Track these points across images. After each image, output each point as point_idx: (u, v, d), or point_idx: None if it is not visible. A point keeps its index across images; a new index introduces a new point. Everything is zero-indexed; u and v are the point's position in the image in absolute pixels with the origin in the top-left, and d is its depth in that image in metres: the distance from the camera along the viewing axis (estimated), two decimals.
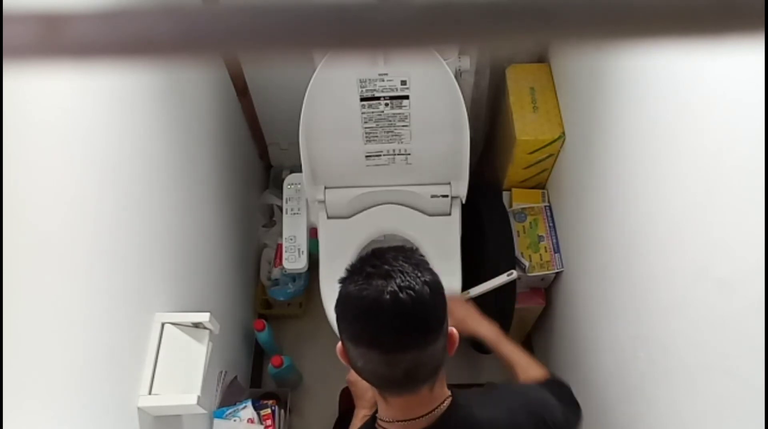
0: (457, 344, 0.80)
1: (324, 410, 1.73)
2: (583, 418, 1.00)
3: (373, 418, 0.86)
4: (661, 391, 0.96)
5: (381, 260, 0.74)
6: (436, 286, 0.74)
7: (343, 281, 0.76)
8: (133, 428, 0.97)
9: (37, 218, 0.73)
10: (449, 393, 0.83)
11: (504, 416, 0.85)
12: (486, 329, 1.16)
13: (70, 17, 0.18)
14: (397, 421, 0.81)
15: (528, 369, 1.06)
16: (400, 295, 0.70)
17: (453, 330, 0.78)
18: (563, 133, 1.41)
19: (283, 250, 1.62)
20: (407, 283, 0.71)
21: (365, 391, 1.10)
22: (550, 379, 1.03)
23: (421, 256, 0.78)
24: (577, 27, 0.18)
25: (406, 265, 0.73)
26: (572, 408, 0.97)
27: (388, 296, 0.70)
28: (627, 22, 0.18)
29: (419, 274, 0.72)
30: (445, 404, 0.81)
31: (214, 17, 0.18)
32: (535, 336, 1.85)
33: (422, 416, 0.80)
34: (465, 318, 1.17)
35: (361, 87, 1.32)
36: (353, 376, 1.01)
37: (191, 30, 0.18)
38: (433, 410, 0.80)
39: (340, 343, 0.79)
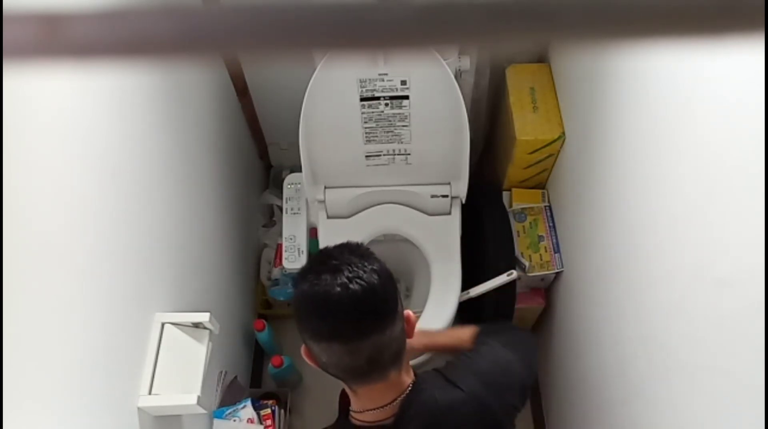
0: (414, 325, 0.83)
1: (324, 410, 1.73)
2: (583, 418, 0.99)
3: (347, 412, 0.88)
4: (661, 390, 0.96)
5: (328, 257, 0.77)
6: (383, 272, 0.77)
7: (295, 284, 0.79)
8: (133, 428, 0.97)
9: (37, 218, 0.73)
10: (412, 379, 0.85)
11: (464, 395, 0.86)
12: (415, 339, 1.15)
13: (70, 17, 0.18)
14: (367, 411, 0.83)
15: (461, 339, 1.06)
16: (350, 285, 0.73)
17: (408, 312, 0.82)
18: (563, 133, 1.41)
19: (283, 250, 1.62)
20: (355, 273, 0.74)
21: None
22: (480, 332, 1.04)
23: (367, 248, 0.80)
24: (577, 27, 0.18)
25: (353, 257, 0.76)
26: (527, 344, 1.01)
27: (339, 288, 0.73)
28: (627, 22, 0.18)
29: (366, 264, 0.75)
30: (408, 389, 0.83)
31: (214, 17, 0.18)
32: (535, 336, 1.85)
33: (390, 403, 0.82)
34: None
35: (361, 87, 1.32)
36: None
37: (191, 30, 0.18)
38: (399, 395, 0.83)
39: (303, 346, 0.80)
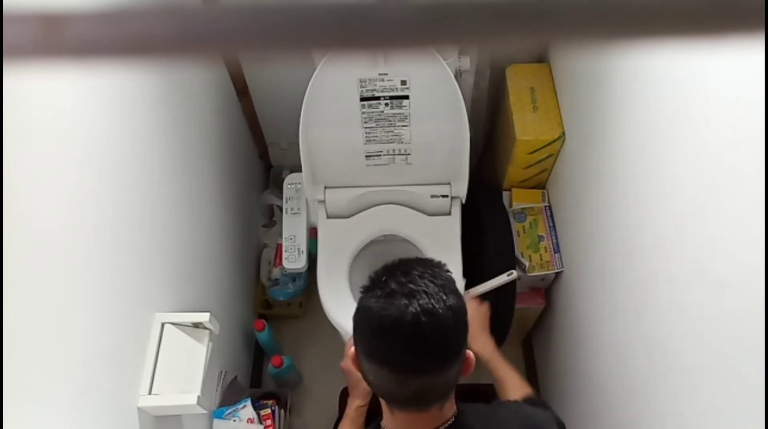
0: (473, 367, 0.78)
1: (324, 410, 1.73)
2: (583, 418, 1.00)
3: (377, 426, 0.85)
4: (661, 390, 0.96)
5: (407, 277, 0.71)
6: (459, 310, 0.72)
7: (364, 291, 0.74)
8: (133, 428, 0.97)
9: (37, 218, 0.73)
10: (456, 409, 0.82)
11: (503, 417, 0.85)
12: (481, 344, 1.16)
13: (70, 17, 0.18)
14: None
15: (518, 388, 1.07)
16: (422, 318, 0.68)
17: (470, 353, 0.76)
18: (563, 133, 1.41)
19: (283, 250, 1.62)
20: (430, 306, 0.68)
21: (359, 381, 1.09)
22: (535, 398, 1.03)
23: (448, 273, 0.75)
24: (577, 27, 0.18)
25: (432, 285, 0.70)
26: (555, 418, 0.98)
27: (408, 318, 0.68)
28: (627, 22, 0.18)
29: (443, 297, 0.70)
30: (449, 421, 0.80)
31: (214, 17, 0.18)
32: (535, 336, 1.85)
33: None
34: (475, 332, 1.18)
35: (361, 87, 1.32)
36: (347, 364, 1.01)
37: (191, 30, 0.18)
38: (438, 426, 0.79)
39: (353, 350, 0.77)
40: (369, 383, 0.77)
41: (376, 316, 0.71)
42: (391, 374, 0.72)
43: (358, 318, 0.74)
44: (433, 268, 0.74)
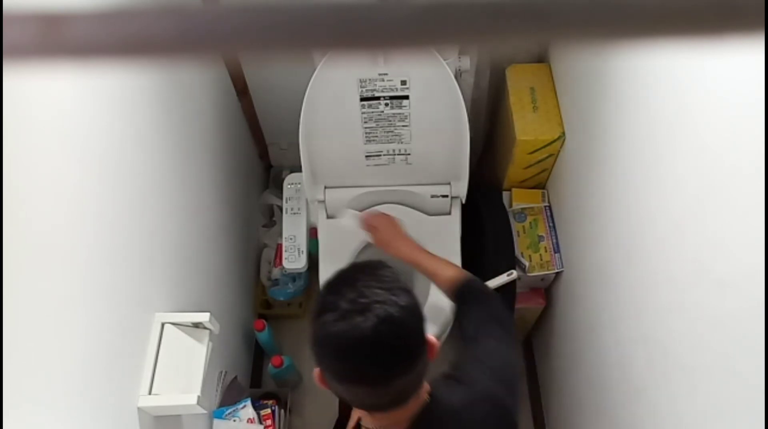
0: (437, 350, 0.79)
1: (324, 410, 1.73)
2: (584, 418, 0.99)
3: (358, 426, 0.86)
4: (661, 390, 0.96)
5: (354, 292, 0.70)
6: (413, 306, 0.72)
7: (316, 317, 0.73)
8: (133, 428, 0.97)
9: (37, 218, 0.73)
10: (428, 388, 0.83)
11: (479, 394, 0.86)
12: (400, 250, 1.21)
13: (69, 17, 0.18)
14: (383, 428, 0.82)
15: (443, 272, 1.11)
16: (381, 328, 0.68)
17: (431, 338, 0.77)
18: (563, 133, 1.41)
19: (283, 250, 1.62)
20: (386, 313, 0.68)
21: None
22: (465, 285, 1.07)
23: (392, 271, 0.75)
24: (577, 27, 0.18)
25: (380, 291, 0.70)
26: (508, 317, 1.05)
27: (369, 333, 0.68)
28: (627, 22, 0.18)
29: (395, 299, 0.70)
30: (425, 403, 0.82)
31: (214, 17, 0.18)
32: (535, 336, 1.85)
33: (408, 418, 0.81)
34: (390, 241, 1.24)
35: (361, 87, 1.32)
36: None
37: (191, 30, 0.18)
38: (417, 411, 0.81)
39: (317, 371, 0.77)
40: (344, 399, 0.78)
41: (336, 341, 0.70)
42: (366, 388, 0.73)
43: (319, 346, 0.73)
44: (376, 272, 0.73)
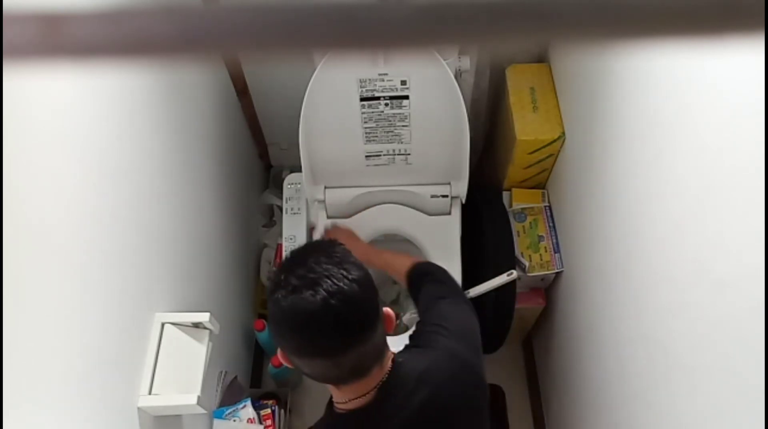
0: (394, 322, 0.82)
1: (324, 410, 1.73)
2: (583, 418, 0.99)
3: (331, 403, 0.87)
4: (661, 390, 0.96)
5: (304, 268, 0.72)
6: (364, 279, 0.74)
7: (269, 294, 0.75)
8: (133, 428, 0.97)
9: (37, 218, 0.73)
10: (392, 356, 0.85)
11: (441, 353, 0.88)
12: (359, 250, 1.19)
13: (70, 17, 0.18)
14: (351, 400, 0.83)
15: (400, 267, 1.13)
16: (332, 301, 0.70)
17: (387, 310, 0.80)
18: (563, 133, 1.41)
19: (283, 250, 1.62)
20: (336, 287, 0.70)
21: None
22: (413, 270, 1.10)
23: (342, 248, 0.77)
24: (577, 27, 0.18)
25: (330, 266, 0.72)
26: (452, 281, 1.07)
27: (320, 306, 0.69)
28: (627, 22, 0.18)
29: (345, 274, 0.72)
30: (389, 371, 0.83)
31: (214, 17, 0.18)
32: (535, 336, 1.85)
33: (373, 388, 0.82)
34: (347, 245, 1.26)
35: (361, 87, 1.32)
36: None
37: (191, 30, 0.18)
38: (382, 379, 0.83)
39: (279, 350, 0.79)
40: (307, 375, 0.80)
41: (289, 315, 0.72)
42: (324, 360, 0.75)
43: (274, 322, 0.75)
44: (327, 249, 0.76)
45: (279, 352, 0.80)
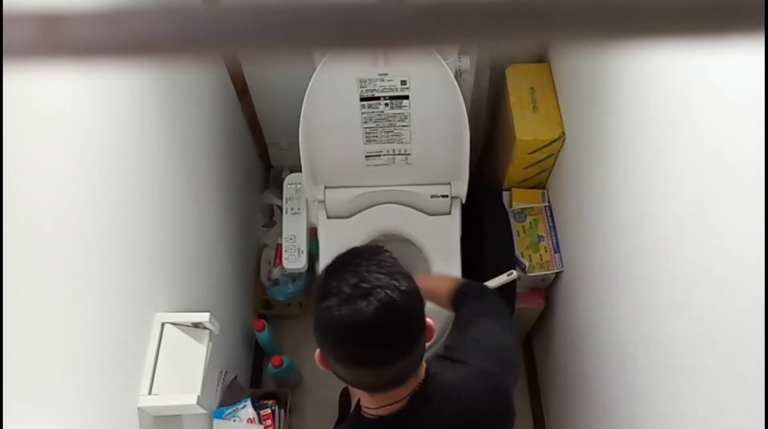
0: (435, 332, 0.81)
1: (324, 410, 1.73)
2: (584, 418, 0.99)
3: (358, 407, 0.87)
4: (661, 390, 0.96)
5: (356, 276, 0.71)
6: (413, 291, 0.74)
7: (319, 301, 0.74)
8: (133, 428, 0.97)
9: (37, 218, 0.73)
10: (425, 367, 0.85)
11: (474, 370, 0.87)
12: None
13: (70, 17, 0.18)
14: (382, 407, 0.82)
15: (442, 286, 1.10)
16: (383, 313, 0.69)
17: (429, 320, 0.79)
18: (563, 133, 1.41)
19: (283, 250, 1.62)
20: (388, 298, 0.70)
21: None
22: (464, 289, 1.07)
23: (391, 256, 0.76)
24: (577, 27, 0.18)
25: (382, 276, 0.71)
26: (504, 310, 1.04)
27: (372, 318, 0.69)
28: (627, 22, 0.18)
29: (396, 284, 0.71)
30: (421, 380, 0.83)
31: (214, 17, 0.18)
32: (535, 336, 1.85)
33: (406, 397, 0.82)
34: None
35: (361, 87, 1.32)
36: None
37: (191, 30, 0.18)
38: (414, 389, 0.83)
39: (318, 352, 0.79)
40: (345, 381, 0.80)
41: (340, 325, 0.71)
42: (369, 370, 0.75)
43: (322, 330, 0.75)
44: (376, 257, 0.75)
45: (318, 355, 0.79)
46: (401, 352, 0.74)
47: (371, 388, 0.81)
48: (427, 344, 0.80)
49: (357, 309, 0.69)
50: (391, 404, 0.82)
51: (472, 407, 0.85)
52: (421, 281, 1.16)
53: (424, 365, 0.84)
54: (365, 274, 0.71)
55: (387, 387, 0.79)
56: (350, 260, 0.75)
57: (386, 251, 0.77)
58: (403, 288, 0.72)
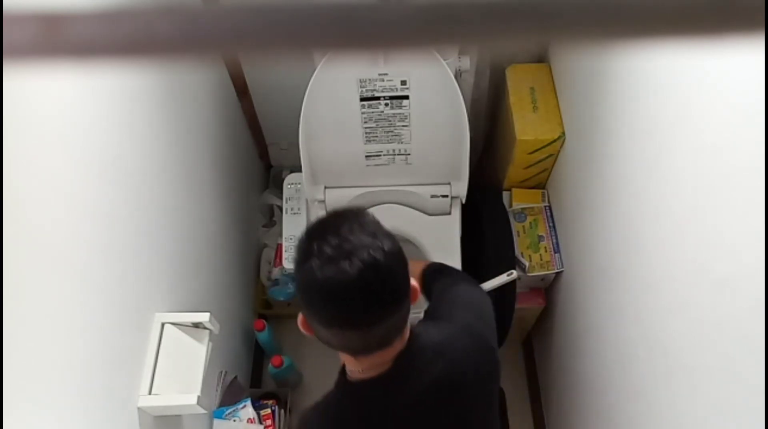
0: (419, 294, 0.80)
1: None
2: (584, 418, 0.99)
3: (343, 372, 0.85)
4: (661, 390, 0.96)
5: (338, 237, 0.69)
6: (397, 252, 0.72)
7: (299, 263, 0.72)
8: (133, 428, 0.97)
9: (37, 218, 0.73)
10: (409, 329, 0.84)
11: (459, 328, 0.88)
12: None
13: (70, 17, 0.18)
14: (368, 369, 0.81)
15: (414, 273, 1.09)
16: (367, 274, 0.68)
17: (413, 282, 0.78)
18: (563, 133, 1.41)
19: (283, 250, 1.62)
20: (371, 258, 0.68)
21: None
22: (427, 271, 1.08)
23: (373, 218, 0.74)
24: (577, 27, 0.18)
25: (365, 237, 0.70)
26: (473, 281, 1.06)
27: (355, 278, 0.67)
28: (627, 22, 0.18)
29: (379, 244, 0.70)
30: (405, 343, 0.82)
31: (214, 17, 0.18)
32: (535, 336, 1.85)
33: (391, 359, 0.81)
34: None
35: (361, 87, 1.32)
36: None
37: (191, 30, 0.18)
38: (400, 350, 0.82)
39: (301, 316, 0.77)
40: (329, 344, 0.78)
41: (322, 286, 0.69)
42: (353, 332, 0.74)
43: (305, 292, 0.72)
44: (359, 218, 0.73)
45: (301, 319, 0.77)
46: (386, 312, 0.73)
47: (356, 351, 0.79)
48: (411, 307, 0.79)
49: (339, 269, 0.67)
50: (377, 366, 0.81)
51: (459, 363, 0.84)
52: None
53: (408, 327, 0.83)
54: (347, 235, 0.70)
55: (372, 349, 0.78)
56: (331, 222, 0.73)
57: (369, 213, 0.75)
58: (386, 248, 0.70)
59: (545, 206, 1.57)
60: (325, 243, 0.69)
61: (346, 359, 0.83)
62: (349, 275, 0.67)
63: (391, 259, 0.70)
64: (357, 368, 0.82)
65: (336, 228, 0.71)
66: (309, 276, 0.70)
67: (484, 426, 0.91)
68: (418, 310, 0.94)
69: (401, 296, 0.74)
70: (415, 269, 1.11)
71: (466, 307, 0.92)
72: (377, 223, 0.74)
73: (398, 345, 0.81)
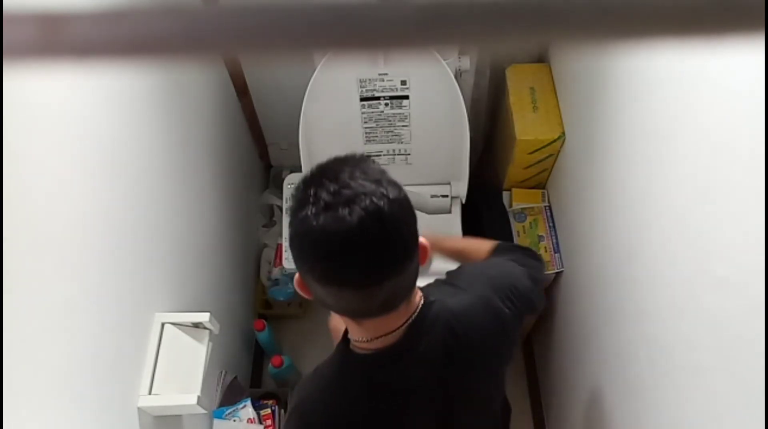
0: (429, 254, 0.72)
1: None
2: (584, 418, 0.99)
3: (346, 340, 0.77)
4: (661, 390, 0.96)
5: (337, 183, 0.61)
6: (404, 200, 0.64)
7: (294, 211, 0.63)
8: (133, 428, 0.97)
9: (37, 218, 0.73)
10: (421, 294, 0.77)
11: (475, 299, 0.80)
12: (443, 242, 1.06)
13: (70, 17, 0.18)
14: (374, 339, 0.74)
15: (478, 248, 1.00)
16: (369, 222, 0.60)
17: (423, 240, 0.70)
18: (563, 133, 1.41)
19: (283, 250, 1.62)
20: (374, 207, 0.60)
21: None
22: (499, 246, 0.98)
23: (378, 164, 0.66)
24: (577, 27, 0.18)
25: (368, 183, 0.61)
26: (535, 265, 0.95)
27: (356, 228, 0.59)
28: (627, 22, 0.18)
29: (384, 191, 0.61)
30: (417, 309, 0.75)
31: (214, 17, 0.18)
32: (535, 336, 1.85)
33: (400, 326, 0.74)
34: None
35: (361, 87, 1.32)
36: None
37: (191, 30, 0.18)
38: (410, 317, 0.74)
39: (297, 276, 0.69)
40: (327, 306, 0.71)
41: (319, 237, 0.61)
42: (354, 291, 0.65)
43: (298, 244, 0.64)
44: (361, 164, 0.64)
45: (297, 279, 0.69)
46: (390, 269, 0.64)
47: (357, 314, 0.71)
48: (421, 268, 0.70)
49: (338, 217, 0.59)
50: (384, 335, 0.73)
51: (471, 340, 0.77)
52: (454, 241, 1.08)
53: (418, 292, 0.76)
54: (348, 180, 0.61)
55: (375, 312, 0.70)
56: (331, 167, 0.64)
57: (373, 160, 0.67)
58: (391, 196, 0.62)
59: (545, 206, 1.57)
60: (322, 189, 0.61)
61: (348, 324, 0.75)
62: (348, 224, 0.59)
63: (397, 209, 0.62)
64: (361, 337, 0.74)
65: (335, 173, 0.63)
66: (303, 226, 0.62)
67: (489, 405, 0.87)
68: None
69: (408, 252, 0.65)
70: (443, 242, 1.02)
71: (490, 278, 0.84)
72: (382, 171, 0.65)
73: (405, 310, 0.73)
